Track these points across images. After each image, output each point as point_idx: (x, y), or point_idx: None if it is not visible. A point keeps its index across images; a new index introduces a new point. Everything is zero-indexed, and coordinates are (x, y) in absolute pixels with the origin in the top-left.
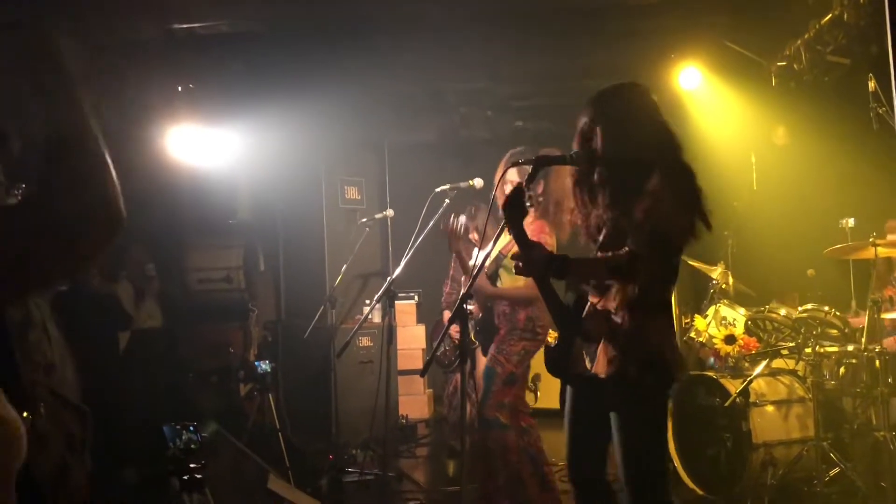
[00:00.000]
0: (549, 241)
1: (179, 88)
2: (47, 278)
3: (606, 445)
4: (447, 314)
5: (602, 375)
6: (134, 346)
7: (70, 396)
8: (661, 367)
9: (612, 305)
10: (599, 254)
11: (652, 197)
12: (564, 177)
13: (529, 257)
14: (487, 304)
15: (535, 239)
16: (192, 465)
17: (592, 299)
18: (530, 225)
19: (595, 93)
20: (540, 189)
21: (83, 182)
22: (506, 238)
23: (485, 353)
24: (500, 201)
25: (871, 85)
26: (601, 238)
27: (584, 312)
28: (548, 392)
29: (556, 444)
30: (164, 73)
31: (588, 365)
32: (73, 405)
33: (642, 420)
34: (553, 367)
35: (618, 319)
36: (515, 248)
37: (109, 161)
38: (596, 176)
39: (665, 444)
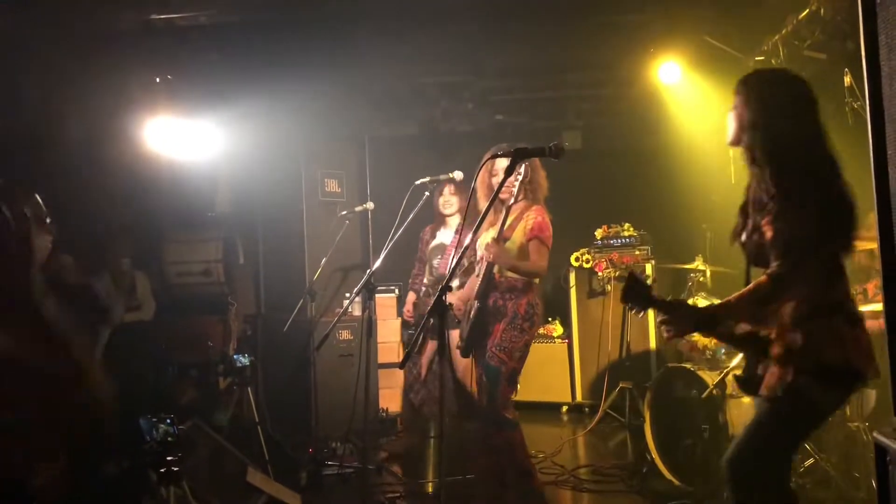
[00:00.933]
0: (548, 224)
1: (158, 80)
2: None
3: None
4: (412, 296)
5: (765, 394)
6: (112, 339)
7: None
8: (838, 373)
9: (777, 329)
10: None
11: (777, 207)
12: (541, 171)
13: (677, 318)
14: (484, 296)
15: (540, 220)
16: (169, 458)
17: (762, 332)
18: (530, 209)
19: (744, 76)
20: (527, 178)
21: None
22: (497, 225)
23: (464, 352)
24: (480, 189)
25: (847, 80)
26: (750, 254)
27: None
28: (525, 386)
29: (536, 437)
30: (142, 64)
31: (775, 383)
32: None
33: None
34: (749, 388)
35: (788, 338)
36: (518, 232)
37: None
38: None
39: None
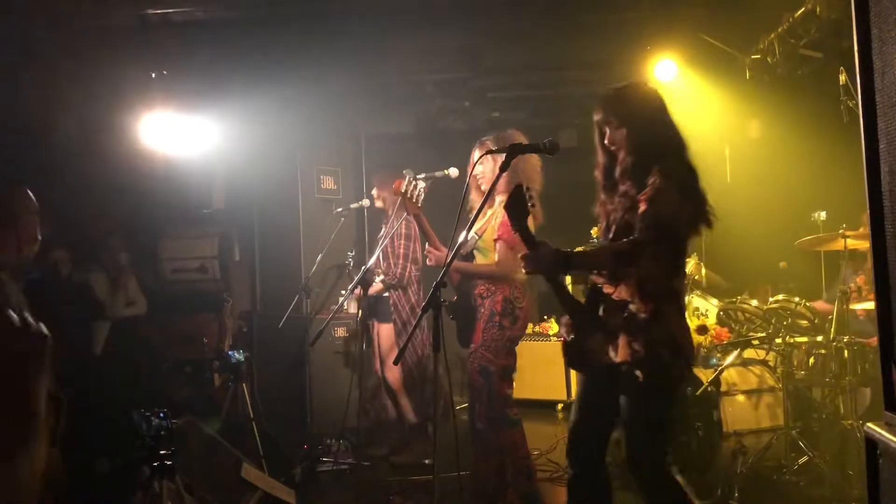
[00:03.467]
0: None
1: (153, 75)
2: None
3: (610, 433)
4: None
5: (619, 360)
6: (108, 335)
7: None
8: (675, 350)
9: (624, 295)
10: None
11: (653, 189)
12: (531, 160)
13: (535, 255)
14: (462, 288)
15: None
16: (162, 452)
17: (607, 289)
18: (502, 203)
19: (609, 91)
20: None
21: None
22: (479, 221)
23: (462, 342)
24: (472, 188)
25: (842, 78)
26: (611, 234)
27: (602, 305)
28: (521, 384)
29: (531, 435)
30: (137, 59)
31: (612, 354)
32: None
33: (653, 401)
34: (574, 360)
35: (632, 308)
36: (488, 230)
37: None
38: (617, 172)
39: (667, 423)
